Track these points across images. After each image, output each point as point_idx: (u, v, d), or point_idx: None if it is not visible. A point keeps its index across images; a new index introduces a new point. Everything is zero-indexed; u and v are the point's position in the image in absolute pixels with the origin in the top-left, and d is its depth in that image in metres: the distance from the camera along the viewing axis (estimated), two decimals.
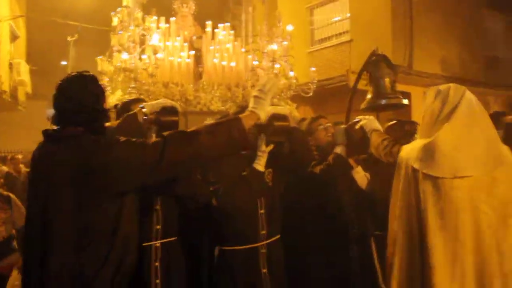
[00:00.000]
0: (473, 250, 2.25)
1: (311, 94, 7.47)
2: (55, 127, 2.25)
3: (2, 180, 6.11)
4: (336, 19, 13.64)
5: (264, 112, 2.48)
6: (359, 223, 3.55)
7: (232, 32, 7.78)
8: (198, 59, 7.73)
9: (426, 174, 2.33)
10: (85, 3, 14.32)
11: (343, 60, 12.70)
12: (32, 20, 16.44)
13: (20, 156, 13.66)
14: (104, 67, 6.72)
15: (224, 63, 7.23)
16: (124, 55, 6.45)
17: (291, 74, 7.45)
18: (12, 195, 4.74)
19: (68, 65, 17.37)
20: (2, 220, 4.48)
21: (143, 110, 2.62)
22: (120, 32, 6.58)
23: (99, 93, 2.32)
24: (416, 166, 2.39)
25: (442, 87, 2.58)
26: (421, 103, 9.81)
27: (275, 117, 2.83)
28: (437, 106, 2.50)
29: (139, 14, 6.68)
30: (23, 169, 10.25)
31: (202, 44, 7.60)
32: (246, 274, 2.91)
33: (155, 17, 7.05)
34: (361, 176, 3.47)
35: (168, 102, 2.71)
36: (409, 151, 2.50)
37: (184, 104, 6.91)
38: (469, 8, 13.41)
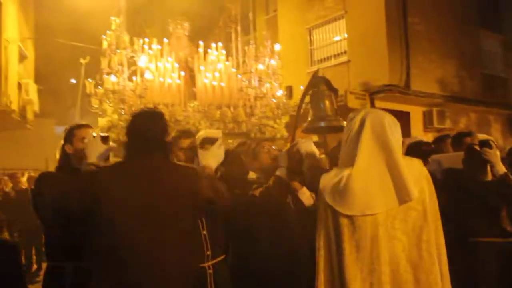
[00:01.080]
0: (390, 278, 2.18)
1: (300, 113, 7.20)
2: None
3: None
4: (336, 39, 13.46)
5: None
6: (310, 244, 3.43)
7: (224, 52, 7.62)
8: (193, 80, 7.58)
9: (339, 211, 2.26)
10: (91, 25, 14.34)
11: (342, 80, 12.49)
12: (40, 41, 16.53)
13: (26, 174, 13.65)
14: (92, 90, 6.56)
15: (215, 83, 7.04)
16: (113, 78, 6.29)
17: (280, 93, 7.23)
18: None
19: (79, 85, 17.52)
20: None
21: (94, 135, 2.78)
22: (109, 55, 6.45)
23: (167, 128, 2.60)
24: (329, 201, 2.29)
25: (352, 114, 2.43)
26: (419, 123, 9.50)
27: (206, 140, 2.95)
28: (345, 135, 2.39)
29: (126, 37, 6.53)
30: (26, 185, 10.22)
31: (194, 65, 7.44)
32: None
33: (146, 39, 6.90)
34: (307, 196, 3.32)
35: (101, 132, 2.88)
36: (326, 182, 2.37)
37: (173, 124, 6.72)
38: (465, 28, 13.16)
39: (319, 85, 3.41)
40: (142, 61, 6.48)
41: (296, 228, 3.46)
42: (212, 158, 2.84)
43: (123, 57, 6.34)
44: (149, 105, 6.74)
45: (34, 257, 8.81)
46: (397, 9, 12.11)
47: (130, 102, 6.46)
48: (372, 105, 11.58)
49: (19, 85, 14.53)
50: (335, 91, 3.46)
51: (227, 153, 3.06)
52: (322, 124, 3.39)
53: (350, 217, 2.22)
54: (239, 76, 7.43)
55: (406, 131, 11.66)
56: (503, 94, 13.74)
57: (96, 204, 2.37)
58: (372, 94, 11.67)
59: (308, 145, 3.04)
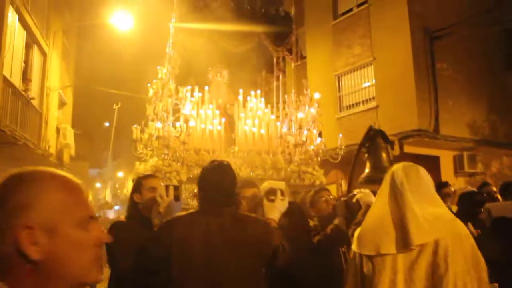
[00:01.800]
0: None
1: (338, 160, 7.25)
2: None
3: None
4: (364, 85, 13.57)
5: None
6: None
7: (263, 99, 7.75)
8: (232, 126, 7.70)
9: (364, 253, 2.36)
10: (124, 74, 14.88)
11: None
12: (78, 88, 17.11)
13: None
14: (138, 135, 6.73)
15: (255, 130, 7.14)
16: (158, 124, 6.45)
17: (319, 140, 7.27)
18: None
19: (111, 128, 17.94)
20: None
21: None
22: (154, 102, 6.65)
23: (236, 179, 2.77)
24: (353, 246, 2.44)
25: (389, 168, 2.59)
26: (449, 168, 9.35)
27: (271, 191, 3.03)
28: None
29: (172, 85, 6.73)
30: None
31: (234, 111, 7.58)
32: None
33: (189, 87, 7.09)
34: None
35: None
36: (358, 232, 2.53)
37: None
38: (493, 71, 13.05)
39: (375, 138, 3.47)
40: (186, 108, 6.64)
41: None
42: (276, 210, 2.95)
43: (168, 105, 6.51)
44: (191, 151, 6.87)
45: None
46: (425, 55, 12.19)
47: (174, 147, 6.58)
48: (401, 150, 11.50)
49: (58, 130, 14.98)
50: (391, 143, 3.51)
51: (290, 203, 3.13)
52: (380, 175, 3.41)
53: (370, 259, 2.28)
54: (278, 123, 7.52)
55: (436, 176, 11.55)
56: None
57: (173, 252, 2.49)
58: (401, 139, 11.60)
59: (368, 196, 3.10)
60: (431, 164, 12.33)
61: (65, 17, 15.23)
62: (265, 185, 3.16)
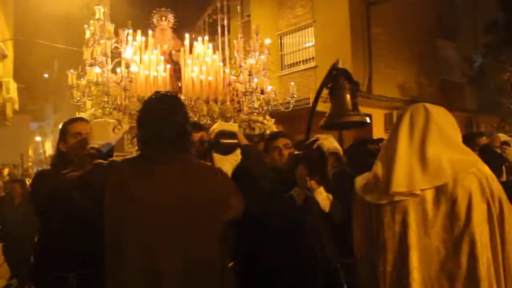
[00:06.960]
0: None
1: (290, 108, 6.41)
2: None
3: None
4: (305, 45, 12.93)
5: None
6: (321, 248, 2.82)
7: (211, 45, 6.68)
8: (178, 73, 6.61)
9: (370, 202, 1.89)
10: (65, 24, 13.20)
11: (309, 84, 11.99)
12: (19, 41, 15.22)
13: (6, 170, 12.38)
14: (74, 81, 5.49)
15: (202, 77, 6.10)
16: (96, 69, 5.25)
17: (269, 88, 6.36)
18: None
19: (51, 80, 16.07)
20: None
21: None
22: (92, 45, 5.40)
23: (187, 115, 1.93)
24: (360, 194, 1.95)
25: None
26: (380, 125, 9.35)
27: (221, 134, 2.37)
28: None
29: (110, 26, 5.48)
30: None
31: (180, 58, 6.46)
32: None
33: (130, 30, 5.86)
34: (323, 197, 2.72)
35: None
36: (361, 180, 2.02)
37: None
38: (424, 38, 12.90)
39: (339, 78, 2.63)
40: (127, 52, 5.44)
41: (308, 229, 2.75)
42: (228, 163, 2.20)
43: (107, 48, 5.30)
44: (134, 99, 5.76)
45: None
46: (361, 20, 11.82)
47: (115, 94, 5.44)
48: None
49: (0, 84, 13.21)
50: (356, 84, 2.69)
51: (245, 148, 2.31)
52: (343, 119, 2.62)
53: (377, 208, 1.84)
54: (226, 70, 6.51)
55: (368, 132, 11.29)
56: (460, 98, 13.57)
57: (106, 204, 1.67)
58: None
59: (331, 141, 2.41)
60: None
61: None
62: (215, 127, 2.32)
